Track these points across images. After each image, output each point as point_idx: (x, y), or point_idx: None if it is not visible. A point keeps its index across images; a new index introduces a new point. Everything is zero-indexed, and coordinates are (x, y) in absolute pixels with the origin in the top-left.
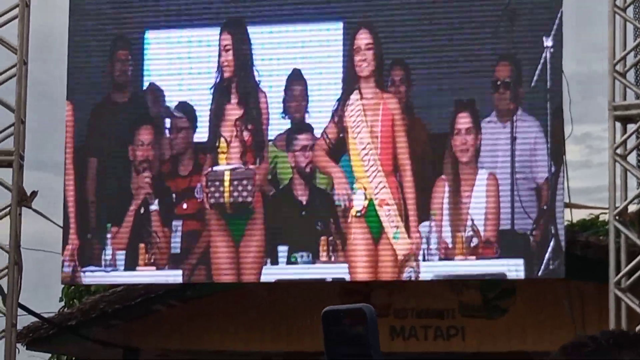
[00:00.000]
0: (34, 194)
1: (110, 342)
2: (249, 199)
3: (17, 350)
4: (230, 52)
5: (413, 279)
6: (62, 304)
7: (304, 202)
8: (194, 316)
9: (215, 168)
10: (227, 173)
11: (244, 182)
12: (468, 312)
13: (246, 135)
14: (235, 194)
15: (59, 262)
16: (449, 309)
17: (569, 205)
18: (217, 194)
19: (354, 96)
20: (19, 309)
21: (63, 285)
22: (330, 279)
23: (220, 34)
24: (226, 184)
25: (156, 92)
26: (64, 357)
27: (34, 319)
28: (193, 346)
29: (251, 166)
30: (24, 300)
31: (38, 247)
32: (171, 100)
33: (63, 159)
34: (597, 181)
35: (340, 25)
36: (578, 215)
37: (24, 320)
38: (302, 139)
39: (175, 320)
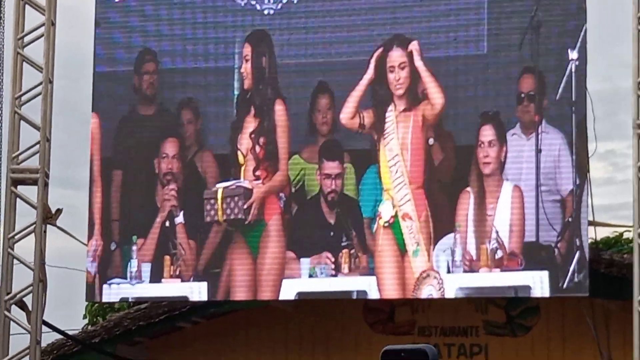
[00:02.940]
0: (59, 211)
1: (134, 359)
2: (240, 216)
3: None
4: (249, 63)
5: (436, 296)
6: (86, 321)
7: (332, 223)
8: (217, 333)
9: (212, 188)
10: (220, 191)
11: (236, 198)
12: (492, 329)
13: (258, 148)
14: (228, 211)
15: (83, 279)
16: (472, 326)
17: (593, 223)
18: (212, 212)
19: (389, 107)
20: (43, 326)
21: (87, 303)
22: (355, 293)
23: (243, 45)
24: (219, 201)
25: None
26: None
27: (58, 336)
28: None
29: (254, 182)
30: (48, 317)
31: (62, 264)
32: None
33: (88, 176)
34: (621, 198)
35: (372, 38)
36: (602, 232)
37: (48, 338)
38: (331, 167)
39: (199, 337)
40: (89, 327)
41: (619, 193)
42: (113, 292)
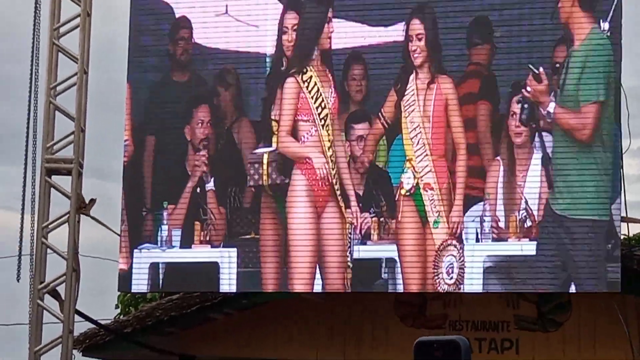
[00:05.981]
0: (93, 201)
1: (165, 350)
2: (287, 181)
3: (73, 356)
4: (287, 34)
5: (456, 267)
6: (118, 311)
7: (361, 194)
8: (249, 324)
9: (256, 150)
10: (265, 156)
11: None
12: (523, 325)
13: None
14: (274, 175)
15: (115, 269)
16: (504, 321)
17: (626, 220)
18: (256, 176)
19: (412, 76)
20: (76, 316)
21: (119, 293)
22: (384, 261)
23: (284, 14)
24: (265, 166)
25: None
26: None
27: (91, 326)
28: (248, 354)
29: (292, 142)
30: (80, 306)
31: (95, 254)
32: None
33: (122, 167)
34: None
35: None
36: (635, 229)
37: (81, 327)
38: (359, 129)
39: (231, 328)
40: (121, 317)
41: None
42: (143, 257)
